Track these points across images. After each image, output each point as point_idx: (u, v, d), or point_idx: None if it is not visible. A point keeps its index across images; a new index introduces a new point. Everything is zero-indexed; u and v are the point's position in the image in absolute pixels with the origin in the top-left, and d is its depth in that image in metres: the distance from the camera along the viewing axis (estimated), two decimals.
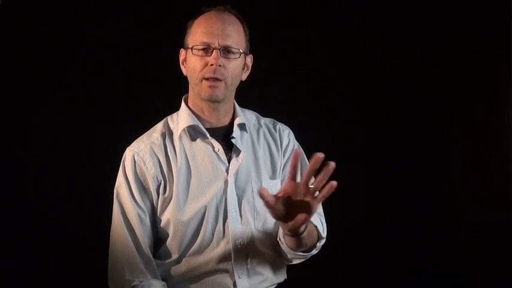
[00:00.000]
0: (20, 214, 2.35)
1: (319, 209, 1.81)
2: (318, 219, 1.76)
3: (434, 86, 2.64)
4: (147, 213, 1.72)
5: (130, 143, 1.78)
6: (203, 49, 1.68)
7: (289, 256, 1.76)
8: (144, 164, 1.72)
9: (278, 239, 1.76)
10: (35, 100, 2.38)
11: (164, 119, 1.83)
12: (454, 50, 2.61)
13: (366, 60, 2.63)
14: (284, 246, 1.72)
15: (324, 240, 1.77)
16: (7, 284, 2.36)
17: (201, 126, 1.74)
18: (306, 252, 1.73)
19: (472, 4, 2.54)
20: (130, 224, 1.71)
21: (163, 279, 1.73)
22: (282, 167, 1.83)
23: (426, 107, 2.64)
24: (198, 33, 1.70)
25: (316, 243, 1.73)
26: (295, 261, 1.80)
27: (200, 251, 1.72)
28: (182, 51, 1.77)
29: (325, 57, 2.62)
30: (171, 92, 1.96)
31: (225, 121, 1.78)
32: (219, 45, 1.67)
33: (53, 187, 2.36)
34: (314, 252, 1.76)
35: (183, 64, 1.77)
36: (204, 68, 1.68)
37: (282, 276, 1.85)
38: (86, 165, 2.38)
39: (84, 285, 2.38)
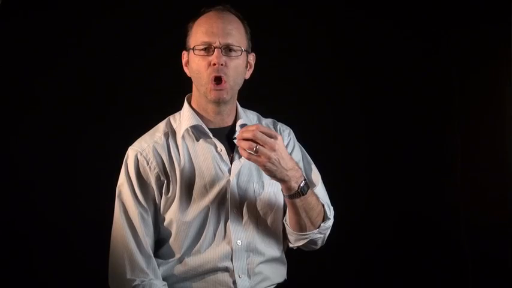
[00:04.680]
0: (19, 214, 2.35)
1: (325, 197, 1.84)
2: (326, 203, 1.78)
3: (434, 85, 2.64)
4: (149, 213, 1.72)
5: (131, 143, 1.77)
6: (204, 49, 1.69)
7: (292, 237, 1.77)
8: (147, 163, 1.72)
9: (284, 220, 1.78)
10: (34, 99, 2.38)
11: (166, 119, 1.82)
12: (454, 49, 2.61)
13: (365, 60, 2.63)
14: (288, 228, 1.76)
15: (330, 222, 1.78)
16: (7, 284, 2.36)
17: (204, 126, 1.74)
18: (309, 231, 1.73)
19: (472, 3, 2.54)
20: (132, 223, 1.71)
21: (164, 279, 1.73)
22: None
23: (426, 107, 2.64)
24: (198, 33, 1.70)
25: (320, 224, 1.74)
26: (297, 244, 1.79)
27: (201, 250, 1.72)
28: (184, 54, 1.77)
29: (325, 57, 2.62)
30: (171, 91, 1.96)
31: (228, 121, 1.78)
32: (220, 43, 1.67)
33: (53, 187, 2.36)
34: (318, 235, 1.76)
35: (186, 66, 1.77)
36: (208, 69, 1.68)
37: (282, 276, 1.85)
38: (87, 165, 2.38)
39: (84, 285, 2.37)
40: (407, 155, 2.63)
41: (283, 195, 1.70)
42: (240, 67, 1.72)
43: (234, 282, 1.73)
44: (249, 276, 1.74)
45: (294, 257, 1.90)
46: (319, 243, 1.81)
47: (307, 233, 1.74)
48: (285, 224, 1.79)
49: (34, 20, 2.36)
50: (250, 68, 1.78)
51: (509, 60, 2.53)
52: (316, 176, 1.86)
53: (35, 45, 2.36)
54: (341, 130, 2.62)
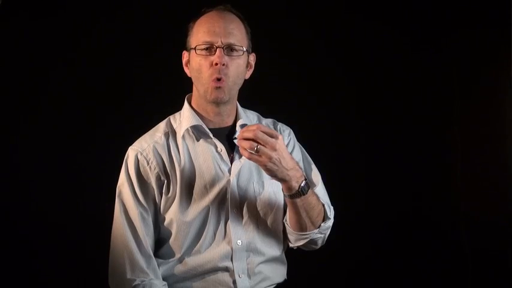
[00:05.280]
0: (20, 214, 2.36)
1: (326, 197, 1.84)
2: (326, 203, 1.78)
3: (434, 86, 2.64)
4: (149, 213, 1.72)
5: (131, 143, 1.77)
6: (206, 48, 1.68)
7: (292, 237, 1.78)
8: (148, 163, 1.72)
9: (284, 220, 1.79)
10: (35, 99, 2.38)
11: (166, 119, 1.83)
12: (454, 50, 2.61)
13: (365, 60, 2.63)
14: (288, 228, 1.76)
15: (330, 222, 1.78)
16: (7, 284, 2.36)
17: (204, 126, 1.75)
18: (309, 231, 1.73)
19: (472, 4, 2.54)
20: (133, 223, 1.71)
21: (164, 278, 1.73)
22: None
23: (426, 107, 2.64)
24: (200, 33, 1.70)
25: (320, 224, 1.74)
26: (297, 244, 1.79)
27: (201, 250, 1.72)
28: (185, 54, 1.77)
29: (325, 57, 2.62)
30: (172, 91, 1.96)
31: (228, 122, 1.78)
32: (222, 43, 1.67)
33: (54, 187, 2.36)
34: (318, 235, 1.76)
35: (186, 66, 1.77)
36: (209, 69, 1.68)
37: (282, 276, 1.86)
38: (87, 165, 2.38)
39: (84, 285, 2.38)
40: (408, 155, 2.63)
41: (284, 194, 1.70)
42: (241, 67, 1.72)
43: (234, 282, 1.73)
44: (249, 276, 1.74)
45: (294, 257, 1.90)
46: (320, 243, 1.82)
47: (307, 232, 1.74)
48: (285, 224, 1.79)
49: (34, 21, 2.36)
50: (250, 68, 1.79)
51: (509, 62, 2.53)
52: (316, 176, 1.86)
53: (35, 45, 2.36)
54: (341, 130, 2.62)
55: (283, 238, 1.83)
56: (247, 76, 1.78)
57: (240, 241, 1.73)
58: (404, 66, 2.63)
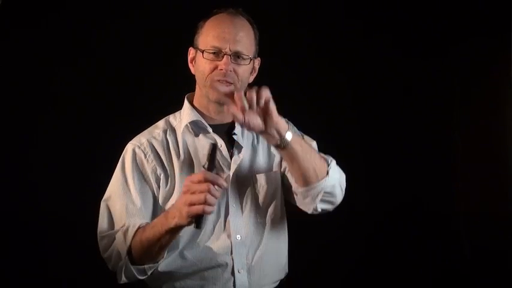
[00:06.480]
0: (20, 213, 2.36)
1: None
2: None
3: (435, 86, 2.66)
4: (138, 205, 1.72)
5: None
6: (214, 53, 1.69)
7: (308, 197, 1.69)
8: (145, 156, 1.74)
9: (293, 191, 1.73)
10: (36, 101, 2.39)
11: (166, 117, 1.85)
12: (455, 50, 2.62)
13: (367, 62, 2.64)
14: (295, 186, 1.70)
15: (333, 163, 1.71)
16: (7, 283, 2.36)
17: (203, 121, 1.76)
18: (317, 182, 1.67)
19: (473, 6, 2.56)
20: (111, 215, 1.74)
21: (163, 272, 1.73)
22: (280, 161, 1.84)
23: (427, 107, 2.65)
24: (209, 36, 1.70)
25: (327, 171, 1.68)
26: (315, 203, 1.69)
27: (201, 244, 1.73)
28: (191, 50, 1.78)
29: (326, 59, 2.63)
30: (173, 92, 1.97)
31: (229, 118, 1.80)
32: (230, 50, 1.68)
33: (54, 187, 2.37)
34: (331, 182, 1.68)
35: (191, 62, 1.78)
36: (213, 71, 1.69)
37: (282, 273, 1.87)
38: (88, 165, 2.39)
39: (83, 285, 2.38)
40: (408, 155, 2.64)
41: (281, 151, 1.62)
42: (246, 73, 1.74)
43: (234, 277, 1.74)
44: (248, 271, 1.75)
45: (294, 253, 1.91)
46: (337, 192, 1.74)
47: (319, 182, 1.67)
48: (297, 191, 1.71)
49: (35, 21, 2.37)
50: (254, 72, 1.80)
51: (510, 65, 2.54)
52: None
53: (35, 46, 2.37)
54: (341, 132, 2.63)
55: (282, 233, 1.84)
56: (251, 80, 1.79)
57: (239, 235, 1.74)
58: (406, 67, 2.64)
